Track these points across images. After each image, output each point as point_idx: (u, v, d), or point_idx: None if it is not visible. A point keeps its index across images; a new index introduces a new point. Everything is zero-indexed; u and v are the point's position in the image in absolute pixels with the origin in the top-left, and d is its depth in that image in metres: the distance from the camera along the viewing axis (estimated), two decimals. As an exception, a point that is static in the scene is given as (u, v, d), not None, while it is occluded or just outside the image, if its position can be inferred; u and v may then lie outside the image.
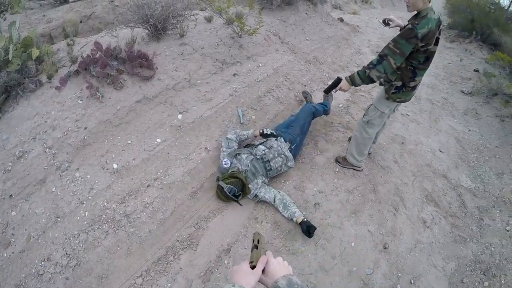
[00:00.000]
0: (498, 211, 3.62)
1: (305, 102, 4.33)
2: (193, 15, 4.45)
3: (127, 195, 2.93)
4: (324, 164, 3.68)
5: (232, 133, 3.44)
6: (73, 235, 2.66)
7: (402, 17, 10.63)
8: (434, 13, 2.58)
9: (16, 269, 2.53)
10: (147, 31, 4.16)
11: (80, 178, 2.95)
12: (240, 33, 4.56)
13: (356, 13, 10.17)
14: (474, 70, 6.96)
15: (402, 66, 2.76)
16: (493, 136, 4.84)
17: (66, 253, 2.57)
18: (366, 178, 3.59)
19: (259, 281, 1.12)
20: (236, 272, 1.11)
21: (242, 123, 3.73)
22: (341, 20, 8.05)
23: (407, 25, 2.67)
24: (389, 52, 2.64)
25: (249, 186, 3.09)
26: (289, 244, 2.84)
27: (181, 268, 2.64)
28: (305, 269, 2.67)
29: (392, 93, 2.98)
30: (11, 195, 2.88)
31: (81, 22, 5.65)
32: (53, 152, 3.07)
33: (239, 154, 3.25)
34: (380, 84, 2.97)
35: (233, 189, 3.00)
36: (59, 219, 2.73)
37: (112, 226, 2.74)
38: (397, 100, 3.02)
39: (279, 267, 1.15)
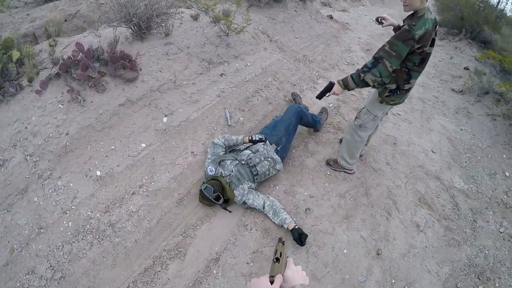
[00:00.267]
0: (491, 213, 3.64)
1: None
2: (178, 13, 4.34)
3: (112, 204, 2.87)
4: (315, 167, 3.64)
5: (220, 137, 3.37)
6: (57, 246, 2.61)
7: (392, 14, 10.71)
8: (430, 13, 2.50)
9: (0, 283, 2.48)
10: (131, 30, 4.05)
11: (62, 187, 2.90)
12: (227, 31, 4.49)
13: (346, 10, 10.17)
14: (464, 68, 6.99)
15: (396, 69, 2.68)
16: (485, 135, 4.87)
17: (51, 266, 2.53)
18: (358, 181, 3.57)
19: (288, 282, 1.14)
20: (256, 286, 1.12)
21: (229, 125, 3.66)
22: (331, 17, 8.03)
23: (402, 25, 2.61)
24: (384, 54, 2.55)
25: (235, 192, 3.04)
26: None
27: (169, 279, 2.60)
28: (296, 278, 2.61)
29: (386, 96, 2.91)
30: (-8, 206, 2.80)
31: (65, 21, 5.53)
32: (34, 160, 3.01)
33: (223, 160, 3.20)
34: (373, 86, 2.87)
35: (210, 188, 2.91)
36: (42, 230, 2.68)
37: (97, 237, 2.69)
38: (391, 103, 2.96)
39: (298, 275, 1.17)
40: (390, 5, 13.44)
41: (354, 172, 3.59)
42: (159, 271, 2.63)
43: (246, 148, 3.32)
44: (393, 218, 3.29)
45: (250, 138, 3.31)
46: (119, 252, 2.66)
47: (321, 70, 5.53)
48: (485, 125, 5.07)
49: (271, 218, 2.96)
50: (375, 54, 2.62)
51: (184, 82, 3.84)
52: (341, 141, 3.87)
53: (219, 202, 2.98)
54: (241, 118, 3.88)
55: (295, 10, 6.37)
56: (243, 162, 3.15)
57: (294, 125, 3.63)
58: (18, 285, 2.44)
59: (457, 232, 3.36)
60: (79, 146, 3.12)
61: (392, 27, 2.96)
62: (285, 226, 2.87)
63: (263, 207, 2.99)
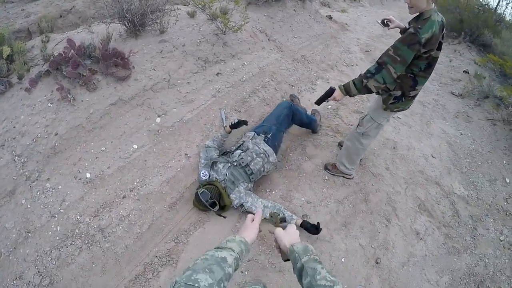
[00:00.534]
0: (491, 220, 3.63)
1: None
2: (174, 10, 4.24)
3: (101, 208, 2.81)
4: (313, 172, 3.58)
5: (210, 139, 3.34)
6: (45, 251, 2.55)
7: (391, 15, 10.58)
8: (437, 14, 2.36)
9: (-12, 289, 2.43)
10: (124, 27, 3.95)
11: (51, 189, 2.82)
12: (224, 29, 4.39)
13: (345, 11, 10.11)
14: (463, 71, 7.01)
15: (401, 74, 2.54)
16: (485, 140, 4.86)
17: (39, 271, 2.48)
18: (357, 186, 3.51)
19: (277, 239, 1.42)
20: (242, 227, 1.45)
21: (225, 126, 3.55)
22: (330, 17, 7.97)
23: (408, 28, 2.50)
24: (388, 59, 2.42)
25: (231, 195, 2.98)
26: (275, 260, 2.75)
27: (160, 286, 2.54)
28: (292, 288, 2.58)
29: (390, 103, 2.79)
30: (-21, 208, 2.75)
31: (60, 16, 5.47)
32: (22, 160, 2.94)
33: (215, 163, 3.14)
34: (377, 93, 2.76)
35: (208, 195, 2.85)
36: (30, 234, 2.62)
37: (86, 242, 2.63)
38: (395, 110, 2.84)
39: (297, 235, 1.43)
40: (389, 7, 13.41)
41: (353, 177, 3.53)
42: (150, 279, 2.57)
43: (236, 149, 3.25)
44: (392, 225, 3.25)
45: (230, 124, 3.30)
46: (109, 258, 2.60)
47: (319, 71, 5.47)
48: (485, 130, 5.06)
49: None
50: (378, 59, 2.50)
51: (179, 81, 3.76)
52: (339, 144, 3.79)
53: (214, 209, 2.90)
54: (237, 119, 3.76)
55: (294, 10, 6.30)
56: (235, 164, 3.09)
57: (286, 115, 3.54)
58: (6, 290, 2.39)
59: (457, 240, 3.33)
60: (69, 146, 3.04)
61: (399, 30, 2.85)
62: (293, 222, 2.83)
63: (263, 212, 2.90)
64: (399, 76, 2.54)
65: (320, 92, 4.67)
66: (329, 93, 2.79)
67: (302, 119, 3.76)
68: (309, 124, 3.89)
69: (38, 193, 2.78)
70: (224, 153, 3.31)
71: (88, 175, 2.92)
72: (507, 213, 3.70)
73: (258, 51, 4.85)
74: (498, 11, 9.29)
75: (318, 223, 2.82)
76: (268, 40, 5.23)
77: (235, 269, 1.18)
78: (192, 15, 4.68)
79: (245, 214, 3.01)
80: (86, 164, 2.98)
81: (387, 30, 2.92)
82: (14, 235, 2.61)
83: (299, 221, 2.86)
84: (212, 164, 3.13)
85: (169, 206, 2.97)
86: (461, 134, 4.93)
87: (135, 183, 2.98)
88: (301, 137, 4.00)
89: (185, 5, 4.77)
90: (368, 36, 8.03)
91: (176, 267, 2.64)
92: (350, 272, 2.77)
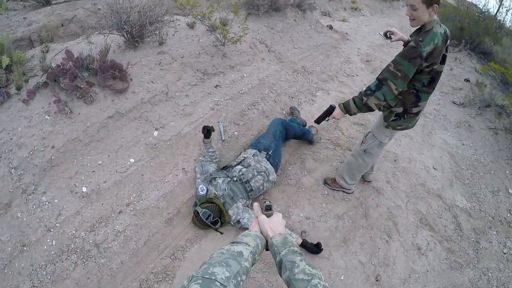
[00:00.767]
0: (494, 232, 3.57)
1: (289, 118, 4.17)
2: (173, 21, 4.22)
3: (97, 222, 2.78)
4: (312, 186, 3.56)
5: (204, 154, 3.30)
6: (40, 266, 2.53)
7: (392, 25, 10.62)
8: (440, 26, 2.27)
9: (-17, 301, 2.44)
10: (123, 38, 3.92)
11: (47, 203, 2.80)
12: (223, 41, 4.35)
13: (345, 20, 10.14)
14: (464, 79, 7.01)
15: (403, 90, 2.44)
16: (487, 150, 4.82)
17: (34, 286, 2.45)
18: (357, 201, 3.49)
19: (261, 227, 1.39)
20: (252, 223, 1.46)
21: (223, 140, 3.54)
22: (330, 27, 7.99)
23: (410, 40, 2.41)
24: (389, 75, 2.33)
25: (229, 211, 2.95)
26: (273, 278, 2.72)
27: None
28: (290, 308, 2.46)
29: (392, 120, 2.69)
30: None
31: (62, 25, 5.49)
32: (18, 173, 2.92)
33: (214, 178, 3.11)
34: (379, 109, 2.64)
35: (210, 214, 2.82)
36: (25, 248, 2.60)
37: (81, 257, 2.60)
38: (398, 128, 2.74)
39: (282, 225, 1.41)
40: (390, 16, 13.41)
41: (353, 192, 3.50)
42: (146, 295, 2.54)
43: (237, 164, 3.21)
44: (393, 241, 3.22)
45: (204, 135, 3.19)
46: (104, 273, 2.56)
47: (320, 82, 5.45)
48: (487, 140, 5.02)
49: None
50: (379, 75, 2.42)
51: (177, 94, 3.75)
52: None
53: (216, 227, 2.87)
54: (235, 133, 3.79)
55: (295, 20, 6.30)
56: (235, 179, 3.06)
57: (281, 132, 3.53)
58: (1, 304, 2.40)
59: (460, 254, 3.27)
60: (65, 160, 3.03)
61: (402, 42, 2.74)
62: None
63: None
64: (400, 92, 2.45)
65: (320, 103, 4.62)
66: (329, 111, 2.73)
67: (296, 133, 3.76)
68: (304, 136, 3.88)
69: (34, 207, 2.76)
70: (224, 168, 3.28)
71: (84, 189, 2.90)
72: (510, 225, 3.65)
73: (258, 62, 4.85)
74: (498, 18, 9.33)
75: (319, 242, 2.81)
76: (268, 51, 5.23)
77: (253, 264, 1.18)
78: (191, 26, 4.68)
79: (242, 230, 2.94)
80: (83, 178, 2.95)
81: (389, 42, 2.82)
82: (9, 248, 2.59)
83: (299, 240, 2.83)
84: (211, 179, 3.10)
85: (166, 221, 2.94)
86: (463, 144, 4.89)
87: (131, 198, 2.96)
88: (301, 150, 3.98)
89: (185, 16, 4.74)
90: (368, 45, 8.05)
91: (172, 283, 2.60)
92: (349, 290, 2.72)
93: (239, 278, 1.04)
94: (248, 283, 2.65)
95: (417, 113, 2.66)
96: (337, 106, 2.70)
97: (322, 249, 2.80)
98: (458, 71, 7.38)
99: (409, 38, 2.57)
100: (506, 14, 9.54)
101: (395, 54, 2.38)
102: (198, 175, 3.17)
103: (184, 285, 0.97)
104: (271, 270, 2.72)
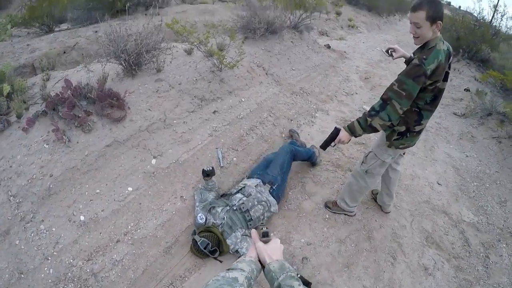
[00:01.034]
0: (504, 245, 3.47)
1: (289, 141, 4.16)
2: (170, 48, 4.23)
3: (95, 251, 2.76)
4: (313, 211, 3.52)
5: (204, 184, 3.26)
6: None
7: (389, 40, 10.63)
8: (443, 43, 2.27)
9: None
10: (121, 66, 3.95)
11: (45, 231, 2.79)
12: (220, 66, 4.34)
13: (343, 38, 10.26)
14: (464, 89, 7.06)
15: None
16: (491, 160, 4.79)
17: None
18: (359, 223, 3.44)
19: (258, 253, 1.36)
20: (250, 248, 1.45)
21: (222, 166, 3.52)
22: (328, 46, 8.05)
23: (413, 58, 2.38)
24: (393, 94, 2.29)
25: (227, 240, 2.92)
26: None
27: None
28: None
29: (394, 139, 2.64)
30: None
31: (64, 53, 5.62)
32: (17, 201, 2.92)
33: (213, 207, 3.10)
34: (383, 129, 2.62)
35: (208, 243, 2.79)
36: (22, 276, 2.58)
37: (79, 286, 2.57)
38: (400, 147, 2.68)
39: (279, 251, 1.38)
40: (386, 31, 13.55)
41: (355, 214, 3.46)
42: (144, 326, 2.55)
43: (237, 192, 3.18)
44: (398, 262, 3.15)
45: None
46: None
47: (319, 103, 5.47)
48: (491, 149, 4.99)
49: None
50: (382, 94, 2.39)
51: (175, 121, 3.78)
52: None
53: (214, 256, 2.85)
54: (234, 159, 3.80)
55: (292, 41, 6.36)
56: (234, 208, 3.04)
57: (288, 163, 3.52)
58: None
59: (469, 271, 3.17)
60: (63, 188, 3.03)
61: (404, 59, 2.74)
62: None
63: None
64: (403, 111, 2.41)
65: (320, 124, 4.58)
66: (335, 135, 2.68)
67: (303, 158, 3.77)
68: (309, 159, 3.89)
69: (32, 235, 2.76)
70: (223, 195, 3.27)
71: (82, 218, 2.89)
72: (520, 235, 3.60)
73: (256, 86, 4.89)
74: (494, 24, 9.44)
75: (310, 283, 2.67)
76: (266, 74, 5.26)
77: None
78: (189, 52, 4.73)
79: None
80: (81, 207, 2.95)
81: (391, 59, 2.76)
82: (7, 276, 2.58)
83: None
84: (210, 208, 3.08)
85: (164, 250, 2.92)
86: (467, 156, 4.86)
87: (129, 226, 2.94)
88: (301, 173, 3.96)
89: (182, 42, 4.76)
90: (367, 62, 8.11)
91: (170, 314, 2.60)
92: (353, 317, 2.61)
93: None
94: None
95: (419, 132, 2.64)
96: (342, 128, 2.66)
97: None
98: (457, 82, 7.42)
99: (412, 55, 2.57)
100: (501, 19, 9.68)
101: (394, 69, 2.35)
102: (197, 203, 3.16)
103: None
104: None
